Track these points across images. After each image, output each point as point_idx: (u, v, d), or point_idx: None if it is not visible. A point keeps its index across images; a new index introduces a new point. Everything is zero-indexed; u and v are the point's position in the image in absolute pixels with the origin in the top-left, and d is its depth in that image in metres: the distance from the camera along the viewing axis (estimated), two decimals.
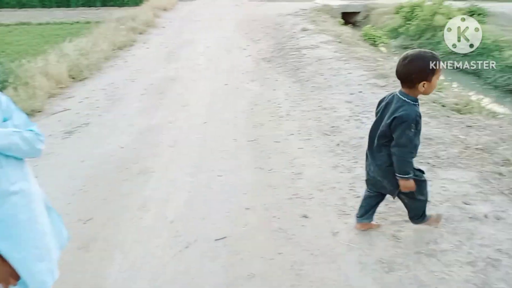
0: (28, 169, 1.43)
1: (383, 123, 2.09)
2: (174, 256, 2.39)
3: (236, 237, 2.54)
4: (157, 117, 4.78)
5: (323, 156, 3.56)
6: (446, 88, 5.57)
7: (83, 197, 3.09)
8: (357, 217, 2.50)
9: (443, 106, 4.47)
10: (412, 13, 13.57)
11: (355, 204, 2.76)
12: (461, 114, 4.27)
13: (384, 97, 2.19)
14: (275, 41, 9.14)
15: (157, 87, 5.99)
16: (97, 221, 2.78)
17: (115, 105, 5.26)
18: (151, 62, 7.67)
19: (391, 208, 2.56)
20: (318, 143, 3.84)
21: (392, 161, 2.09)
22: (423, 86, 1.97)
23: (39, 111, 4.94)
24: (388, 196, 2.39)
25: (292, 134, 4.08)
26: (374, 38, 10.68)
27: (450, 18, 12.66)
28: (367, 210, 2.45)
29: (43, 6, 18.98)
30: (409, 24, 13.34)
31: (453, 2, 13.52)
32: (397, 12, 14.65)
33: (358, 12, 16.84)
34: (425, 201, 2.29)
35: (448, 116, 4.08)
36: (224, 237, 2.53)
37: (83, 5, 19.02)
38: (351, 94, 5.11)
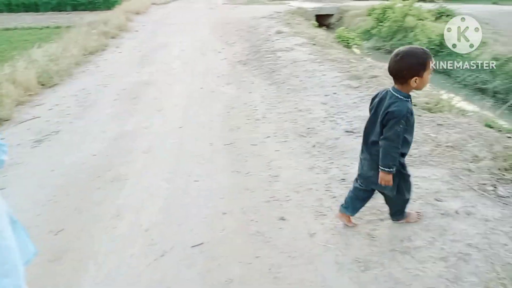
0: None
1: (379, 119, 2.11)
2: (149, 265, 2.33)
3: (213, 242, 2.51)
4: (131, 122, 4.68)
5: (299, 158, 3.58)
6: None
7: (54, 207, 2.98)
8: (342, 206, 2.51)
9: (414, 105, 4.54)
10: (384, 15, 13.92)
11: (332, 204, 2.79)
12: (431, 113, 4.37)
13: (377, 93, 2.22)
14: (250, 44, 9.15)
15: (130, 92, 5.88)
16: (69, 231, 2.68)
17: (87, 111, 5.13)
18: (124, 67, 7.53)
19: (366, 207, 2.59)
20: (295, 145, 3.86)
21: None
22: (415, 82, 2.02)
23: (6, 120, 4.77)
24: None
25: (269, 137, 4.08)
26: (347, 40, 10.86)
27: (420, 20, 13.09)
28: (353, 200, 2.45)
29: (10, 10, 18.42)
30: (381, 25, 13.68)
31: (423, 4, 13.95)
32: (369, 14, 15.00)
33: (332, 15, 17.18)
34: (409, 199, 2.39)
35: (419, 115, 4.18)
36: (201, 243, 2.50)
37: (52, 10, 18.57)
38: (326, 95, 5.17)
